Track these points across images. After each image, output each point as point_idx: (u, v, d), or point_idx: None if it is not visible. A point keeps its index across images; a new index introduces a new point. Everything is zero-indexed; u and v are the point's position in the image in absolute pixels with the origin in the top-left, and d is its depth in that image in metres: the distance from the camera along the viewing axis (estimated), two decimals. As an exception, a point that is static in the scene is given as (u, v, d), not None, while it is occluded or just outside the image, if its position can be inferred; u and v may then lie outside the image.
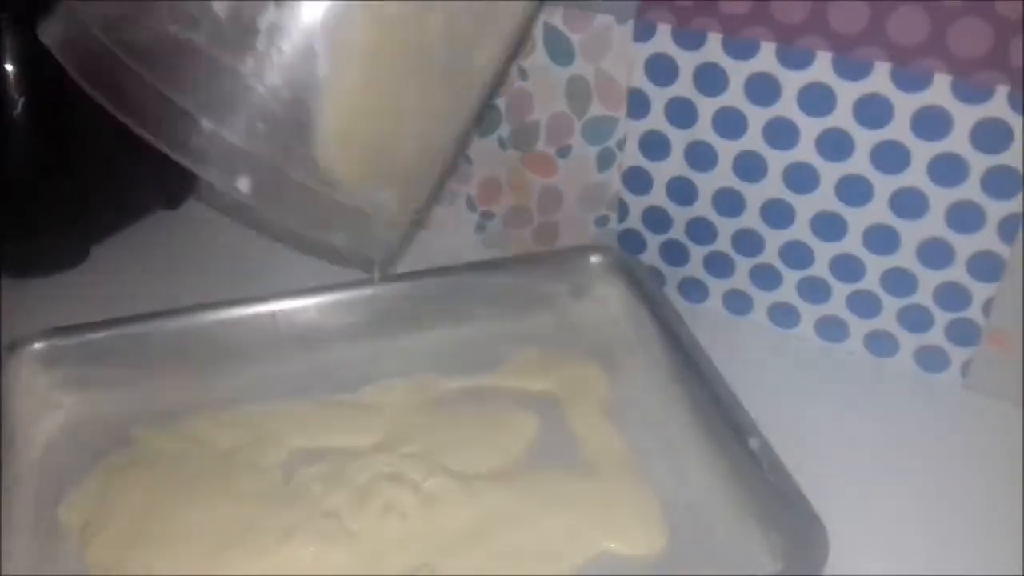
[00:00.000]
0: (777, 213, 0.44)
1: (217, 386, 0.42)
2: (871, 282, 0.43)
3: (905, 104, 0.39)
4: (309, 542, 0.34)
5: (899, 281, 0.43)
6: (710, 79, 0.43)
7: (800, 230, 0.44)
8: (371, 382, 0.42)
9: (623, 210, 0.49)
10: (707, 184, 0.45)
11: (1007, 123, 0.37)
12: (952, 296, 0.42)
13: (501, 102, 0.49)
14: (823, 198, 0.43)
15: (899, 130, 0.39)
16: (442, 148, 0.38)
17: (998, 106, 0.37)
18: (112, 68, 0.31)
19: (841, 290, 0.44)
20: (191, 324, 0.42)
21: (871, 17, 0.38)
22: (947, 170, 0.39)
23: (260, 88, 0.31)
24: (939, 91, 0.38)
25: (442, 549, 0.34)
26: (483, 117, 0.49)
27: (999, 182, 0.39)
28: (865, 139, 0.40)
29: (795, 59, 0.40)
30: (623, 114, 0.46)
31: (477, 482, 0.37)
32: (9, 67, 0.45)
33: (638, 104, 0.45)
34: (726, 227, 0.46)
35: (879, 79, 0.39)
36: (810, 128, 0.41)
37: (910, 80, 0.38)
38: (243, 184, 0.32)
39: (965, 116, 0.38)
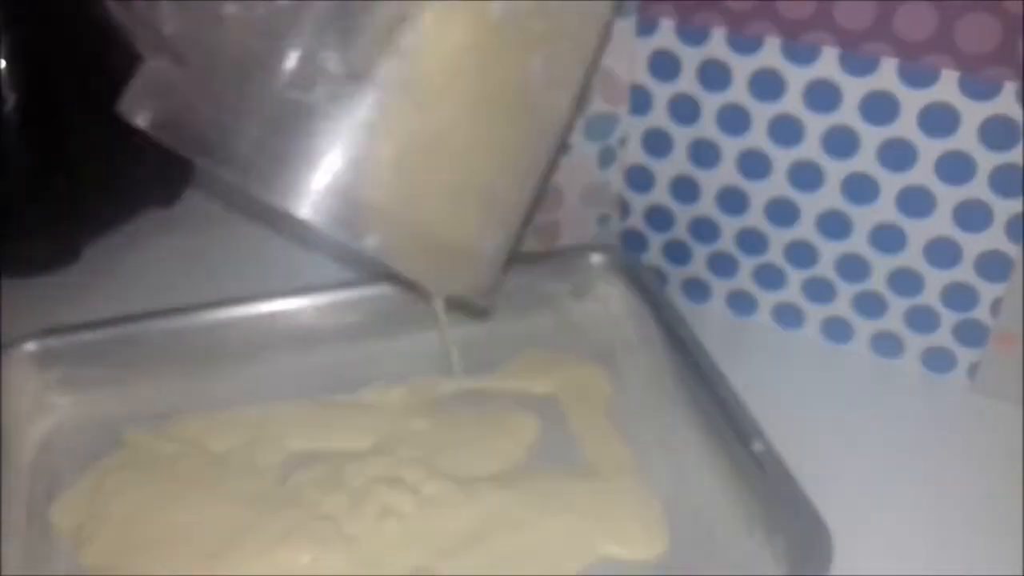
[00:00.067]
0: (782, 212, 0.44)
1: (213, 387, 0.42)
2: (877, 282, 0.43)
3: (912, 101, 0.39)
4: (306, 545, 0.34)
5: (906, 281, 0.42)
6: (714, 75, 0.42)
7: (805, 229, 0.44)
8: (369, 383, 0.42)
9: (625, 209, 0.48)
10: (710, 182, 0.45)
11: (1015, 120, 0.37)
12: (959, 296, 0.41)
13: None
14: (829, 196, 0.42)
15: (906, 127, 0.39)
16: (535, 185, 0.39)
17: (1006, 102, 0.37)
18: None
19: (847, 290, 0.44)
20: (186, 324, 0.42)
21: (878, 12, 0.38)
22: (955, 168, 0.39)
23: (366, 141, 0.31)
24: (947, 87, 0.38)
25: (440, 552, 0.34)
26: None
27: (1007, 180, 0.38)
28: (872, 136, 0.40)
29: (800, 55, 0.40)
30: (625, 111, 0.46)
31: (476, 484, 0.37)
32: (1, 64, 0.44)
33: (640, 100, 0.45)
34: (730, 226, 0.46)
35: (886, 75, 0.39)
36: (816, 125, 0.41)
37: (917, 76, 0.38)
38: (371, 241, 0.32)
39: (973, 113, 0.38)
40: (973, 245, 0.40)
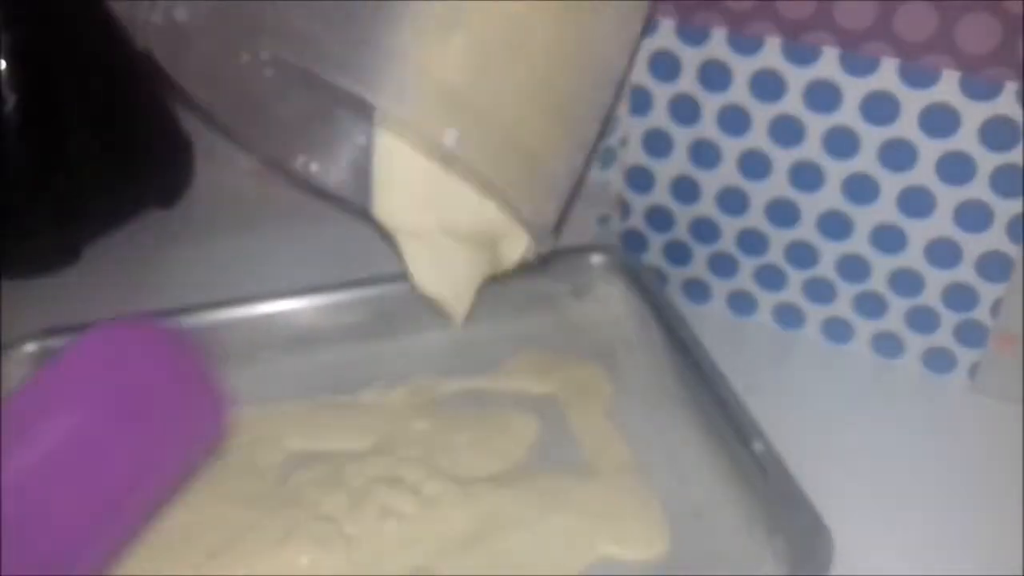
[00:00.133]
0: (782, 212, 0.44)
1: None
2: (878, 282, 0.43)
3: (913, 101, 0.39)
4: (306, 545, 0.34)
5: (906, 281, 0.42)
6: (714, 75, 0.42)
7: (806, 229, 0.43)
8: (369, 383, 0.42)
9: (625, 209, 0.48)
10: (711, 183, 0.45)
11: (1016, 120, 0.37)
12: (960, 297, 0.41)
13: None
14: (829, 197, 0.42)
15: (907, 127, 0.39)
16: (597, 128, 0.37)
17: (1006, 103, 0.37)
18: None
19: (847, 290, 0.44)
20: (186, 324, 0.42)
21: (878, 12, 0.38)
22: (955, 168, 0.39)
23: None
24: (947, 87, 0.38)
25: (440, 553, 0.34)
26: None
27: (1008, 181, 0.38)
28: (872, 136, 0.40)
29: (801, 55, 0.40)
30: (625, 111, 0.45)
31: (476, 485, 0.36)
32: (2, 64, 0.44)
33: (640, 101, 0.45)
34: (730, 226, 0.45)
35: (886, 75, 0.39)
36: (816, 125, 0.41)
37: (918, 76, 0.38)
38: (450, 137, 0.29)
39: (973, 113, 0.38)
40: (973, 245, 0.40)
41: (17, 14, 0.44)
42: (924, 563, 0.34)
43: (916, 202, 0.40)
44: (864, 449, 0.40)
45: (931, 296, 0.42)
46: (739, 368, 0.39)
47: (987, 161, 0.38)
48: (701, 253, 0.47)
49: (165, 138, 0.55)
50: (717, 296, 0.48)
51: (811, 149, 0.42)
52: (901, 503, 0.37)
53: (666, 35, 0.43)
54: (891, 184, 0.41)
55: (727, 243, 0.46)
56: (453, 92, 0.29)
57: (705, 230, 0.46)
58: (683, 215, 0.47)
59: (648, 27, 0.43)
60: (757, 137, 0.43)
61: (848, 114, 0.40)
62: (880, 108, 0.39)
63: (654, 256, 0.49)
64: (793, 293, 0.46)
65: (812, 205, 0.43)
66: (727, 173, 0.44)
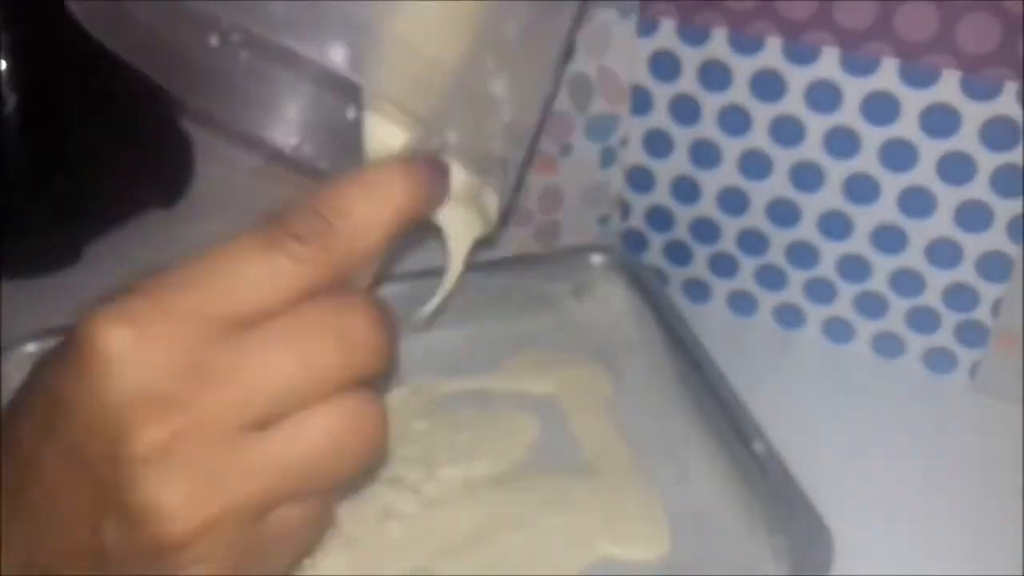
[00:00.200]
0: (783, 212, 0.44)
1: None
2: (878, 282, 0.43)
3: (913, 101, 0.38)
4: (306, 546, 0.34)
5: (907, 281, 0.42)
6: (715, 75, 0.42)
7: (806, 229, 0.43)
8: (369, 383, 0.42)
9: (625, 209, 0.48)
10: (711, 182, 0.45)
11: (1016, 120, 0.37)
12: (960, 297, 0.41)
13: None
14: (830, 197, 0.42)
15: (907, 127, 0.39)
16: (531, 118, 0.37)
17: (1007, 103, 0.37)
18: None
19: (848, 290, 0.44)
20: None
21: (878, 12, 0.38)
22: (955, 168, 0.39)
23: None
24: (947, 87, 0.38)
25: (441, 553, 0.34)
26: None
27: (1008, 181, 0.38)
28: (873, 136, 0.40)
29: (801, 55, 0.40)
30: (626, 111, 0.45)
31: (477, 485, 0.36)
32: (2, 64, 0.44)
33: (641, 101, 0.45)
34: (731, 226, 0.45)
35: (887, 75, 0.38)
36: (817, 125, 0.41)
37: (918, 76, 0.38)
38: (337, 54, 0.29)
39: (974, 113, 0.38)
40: (974, 245, 0.40)
41: (17, 14, 0.44)
42: (924, 563, 0.34)
43: (916, 202, 0.40)
44: (864, 448, 0.40)
45: (932, 296, 0.42)
46: (739, 368, 0.39)
47: (987, 161, 0.38)
48: (701, 253, 0.47)
49: (165, 138, 0.55)
50: (717, 296, 0.48)
51: (811, 149, 0.42)
52: (901, 503, 0.37)
53: (666, 35, 0.43)
54: (891, 184, 0.41)
55: (727, 243, 0.46)
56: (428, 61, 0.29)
57: (705, 230, 0.46)
58: (683, 215, 0.47)
59: (648, 27, 0.43)
60: (757, 137, 0.43)
61: (848, 114, 0.40)
62: (880, 108, 0.39)
63: (654, 256, 0.49)
64: (793, 293, 0.46)
65: (812, 205, 0.43)
66: (727, 173, 0.44)
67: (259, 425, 0.22)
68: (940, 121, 0.38)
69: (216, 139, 0.55)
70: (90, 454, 0.22)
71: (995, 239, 0.39)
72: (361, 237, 0.24)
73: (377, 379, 0.24)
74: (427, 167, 0.27)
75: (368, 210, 0.24)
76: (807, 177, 0.42)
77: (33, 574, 0.23)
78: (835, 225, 0.43)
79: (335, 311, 0.23)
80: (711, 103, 0.43)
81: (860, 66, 0.39)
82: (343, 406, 0.23)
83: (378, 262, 0.26)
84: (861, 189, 0.41)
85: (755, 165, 0.43)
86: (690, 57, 0.42)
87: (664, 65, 0.43)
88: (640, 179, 0.47)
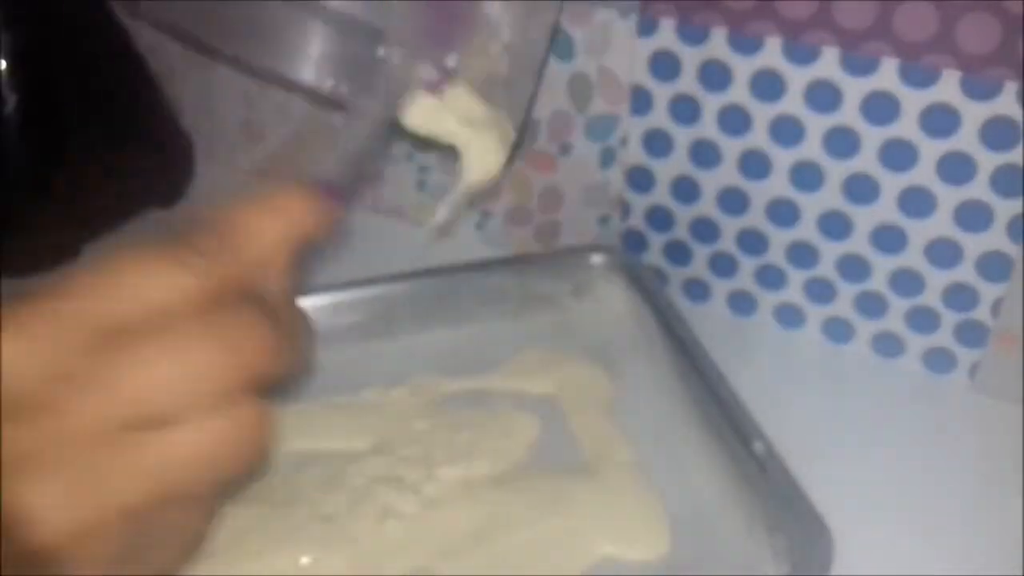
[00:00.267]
0: (783, 212, 0.44)
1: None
2: (878, 282, 0.43)
3: (913, 101, 0.38)
4: (306, 545, 0.34)
5: (906, 281, 0.42)
6: (714, 75, 0.42)
7: (806, 229, 0.43)
8: (370, 384, 0.42)
9: (625, 209, 0.48)
10: (711, 182, 0.45)
11: (1016, 120, 0.37)
12: (960, 296, 0.41)
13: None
14: (829, 197, 0.42)
15: (907, 127, 0.39)
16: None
17: (1006, 102, 0.37)
18: None
19: (848, 290, 0.44)
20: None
21: (878, 12, 0.38)
22: (955, 168, 0.39)
23: None
24: (947, 87, 0.38)
25: (441, 553, 0.34)
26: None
27: (1008, 181, 0.38)
28: (872, 136, 0.40)
29: (801, 55, 0.40)
30: (625, 111, 0.45)
31: (477, 485, 0.36)
32: (2, 64, 0.44)
33: (641, 101, 0.45)
34: (730, 226, 0.45)
35: (887, 75, 0.38)
36: (816, 125, 0.41)
37: (918, 76, 0.38)
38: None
39: (973, 113, 0.38)
40: (974, 245, 0.40)
41: (17, 14, 0.44)
42: (924, 563, 0.34)
43: (916, 202, 0.40)
44: (864, 448, 0.40)
45: (931, 296, 0.42)
46: (739, 368, 0.39)
47: (987, 161, 0.38)
48: (701, 253, 0.47)
49: (165, 138, 0.55)
50: (717, 296, 0.48)
51: (811, 149, 0.41)
52: (901, 503, 0.37)
53: (666, 35, 0.43)
54: (891, 184, 0.40)
55: (727, 243, 0.46)
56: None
57: (705, 230, 0.46)
58: (683, 215, 0.47)
59: (648, 27, 0.43)
60: (757, 137, 0.42)
61: (848, 114, 0.40)
62: (880, 108, 0.39)
63: (654, 256, 0.49)
64: (793, 293, 0.46)
65: (812, 205, 0.43)
66: (727, 173, 0.44)
67: (139, 429, 0.22)
68: (940, 121, 0.38)
69: (216, 139, 0.55)
70: None
71: (995, 239, 0.39)
72: (252, 250, 0.25)
73: (277, 383, 0.24)
74: (319, 198, 0.27)
75: (260, 227, 0.25)
76: (807, 177, 0.42)
77: None
78: (835, 225, 0.43)
79: (220, 317, 0.23)
80: (711, 103, 0.43)
81: (860, 66, 0.39)
82: (227, 411, 0.23)
83: (283, 275, 0.26)
84: (861, 189, 0.41)
85: (755, 165, 0.43)
86: (690, 57, 0.42)
87: (664, 65, 0.43)
88: (640, 179, 0.47)
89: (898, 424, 0.41)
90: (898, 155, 0.40)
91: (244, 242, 0.25)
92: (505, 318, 0.45)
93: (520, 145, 0.47)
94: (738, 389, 0.37)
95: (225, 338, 0.23)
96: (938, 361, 0.43)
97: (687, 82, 0.43)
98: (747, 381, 0.38)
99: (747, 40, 0.41)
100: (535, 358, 0.43)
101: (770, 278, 0.46)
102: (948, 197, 0.40)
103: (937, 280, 0.41)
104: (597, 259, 0.46)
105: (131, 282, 0.22)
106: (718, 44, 0.41)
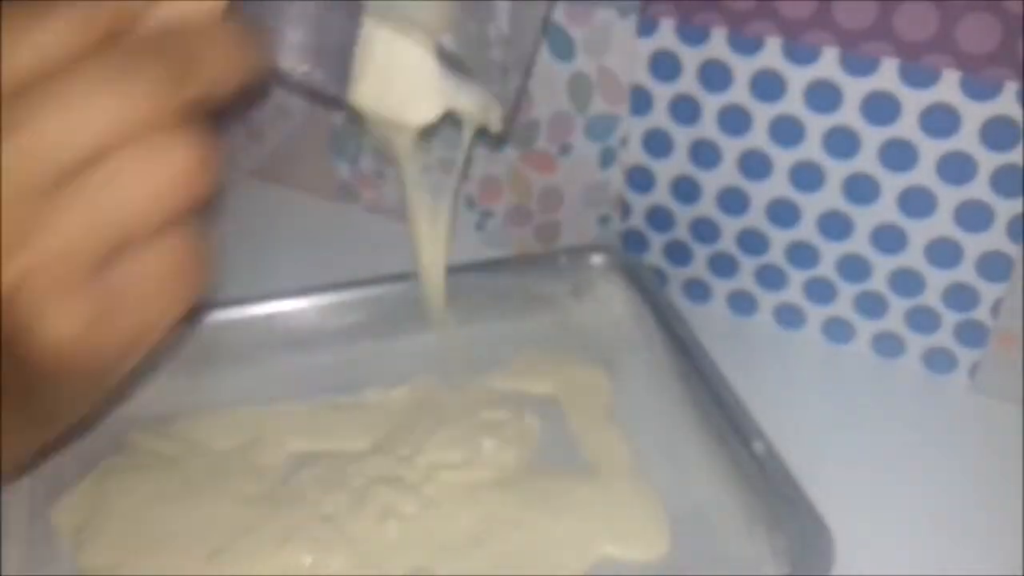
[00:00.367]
0: (783, 212, 0.44)
1: (214, 388, 0.41)
2: (878, 282, 0.43)
3: (913, 101, 0.38)
4: (307, 546, 0.34)
5: (907, 281, 0.42)
6: (715, 75, 0.42)
7: (806, 229, 0.43)
8: (370, 384, 0.42)
9: (625, 209, 0.48)
10: (711, 183, 0.45)
11: (1016, 120, 0.37)
12: (960, 297, 0.41)
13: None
14: (830, 197, 0.42)
15: (907, 127, 0.39)
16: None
17: (1007, 102, 0.37)
18: None
19: (848, 290, 0.44)
20: (187, 325, 0.42)
21: (878, 13, 0.38)
22: (955, 168, 0.39)
23: None
24: (948, 87, 0.38)
25: (441, 553, 0.34)
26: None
27: (1008, 181, 0.38)
28: (873, 136, 0.40)
29: (801, 55, 0.40)
30: (625, 111, 0.45)
31: (477, 485, 0.36)
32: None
33: (641, 101, 0.45)
34: (731, 226, 0.45)
35: (887, 75, 0.38)
36: (817, 125, 0.41)
37: (918, 76, 0.38)
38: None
39: (974, 113, 0.38)
40: (974, 245, 0.40)
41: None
42: (924, 563, 0.34)
43: (916, 202, 0.40)
44: (864, 449, 0.40)
45: (931, 296, 0.42)
46: (739, 368, 0.39)
47: (987, 161, 0.38)
48: (701, 253, 0.47)
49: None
50: (717, 296, 0.48)
51: (811, 149, 0.41)
52: (901, 503, 0.37)
53: (666, 35, 0.43)
54: (891, 184, 0.40)
55: (727, 243, 0.46)
56: None
57: (705, 230, 0.46)
58: (683, 215, 0.47)
59: (648, 27, 0.43)
60: (757, 137, 0.42)
61: (848, 114, 0.40)
62: (880, 108, 0.39)
63: (655, 256, 0.49)
64: (793, 293, 0.45)
65: (812, 205, 0.43)
66: (727, 173, 0.44)
67: (76, 176, 0.22)
68: (940, 121, 0.38)
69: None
70: None
71: (995, 239, 0.39)
72: None
73: (216, 99, 0.24)
74: None
75: None
76: (807, 177, 0.42)
77: None
78: (835, 225, 0.43)
79: (130, 46, 0.23)
80: (711, 103, 0.43)
81: (860, 66, 0.39)
82: (161, 142, 0.23)
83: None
84: (861, 189, 0.41)
85: (755, 165, 0.43)
86: (690, 57, 0.42)
87: (664, 65, 0.43)
88: (640, 179, 0.47)
89: (898, 424, 0.41)
90: (898, 155, 0.40)
91: None
92: (505, 318, 0.45)
93: (507, 139, 0.47)
94: (738, 389, 0.37)
95: (123, 71, 0.22)
96: (938, 361, 0.43)
97: (687, 82, 0.43)
98: (747, 381, 0.38)
99: (747, 40, 0.41)
100: (535, 358, 0.43)
101: (770, 278, 0.46)
102: (948, 197, 0.40)
103: (937, 280, 0.41)
104: (597, 259, 0.46)
105: (16, 34, 0.22)
106: (718, 44, 0.41)
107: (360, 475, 0.37)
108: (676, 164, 0.45)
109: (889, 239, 0.42)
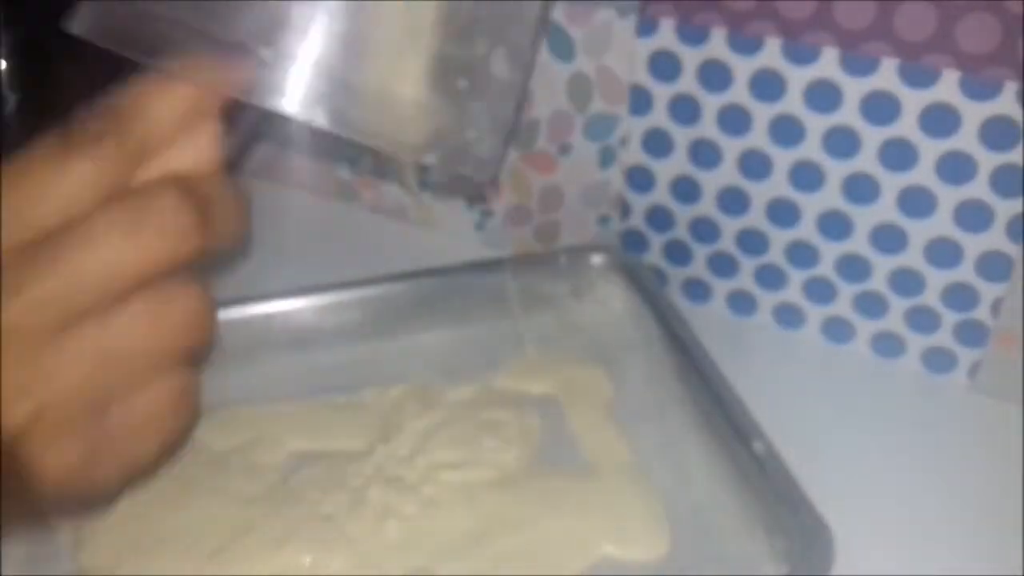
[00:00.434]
0: (782, 212, 0.44)
1: (213, 387, 0.41)
2: (878, 282, 0.43)
3: (913, 101, 0.38)
4: (306, 546, 0.34)
5: (906, 281, 0.42)
6: (714, 75, 0.42)
7: (806, 229, 0.43)
8: (370, 383, 0.42)
9: (625, 209, 0.48)
10: (711, 182, 0.45)
11: (1016, 120, 0.37)
12: (960, 296, 0.41)
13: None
14: (829, 196, 0.42)
15: (907, 127, 0.39)
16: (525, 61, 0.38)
17: (1006, 102, 0.37)
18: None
19: (847, 290, 0.44)
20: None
21: (878, 13, 0.38)
22: (955, 168, 0.39)
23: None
24: (947, 87, 0.38)
25: (441, 553, 0.34)
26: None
27: (1008, 180, 0.38)
28: (872, 136, 0.40)
29: (801, 55, 0.40)
30: (625, 111, 0.45)
31: (477, 485, 0.36)
32: (2, 64, 0.44)
33: (640, 101, 0.45)
34: (730, 226, 0.45)
35: (886, 75, 0.38)
36: (816, 125, 0.41)
37: (918, 76, 0.38)
38: (319, 116, 0.30)
39: (973, 113, 0.38)
40: (974, 245, 0.40)
41: (17, 14, 0.44)
42: (924, 563, 0.34)
43: (916, 202, 0.40)
44: (864, 449, 0.40)
45: (931, 296, 0.42)
46: (739, 368, 0.38)
47: (987, 161, 0.38)
48: (701, 253, 0.47)
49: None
50: (717, 296, 0.48)
51: (811, 149, 0.41)
52: (901, 503, 0.37)
53: (666, 35, 0.43)
54: (891, 184, 0.40)
55: (727, 243, 0.46)
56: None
57: (705, 230, 0.46)
58: (683, 215, 0.47)
59: (647, 27, 0.43)
60: (757, 137, 0.42)
61: (848, 114, 0.40)
62: (880, 108, 0.39)
63: (654, 256, 0.49)
64: (793, 293, 0.45)
65: (812, 205, 0.43)
66: (727, 173, 0.44)
67: (76, 323, 0.23)
68: (940, 121, 0.38)
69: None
70: None
71: (995, 239, 0.39)
72: (156, 129, 0.24)
73: (212, 256, 0.24)
74: (224, 61, 0.27)
75: (159, 104, 0.25)
76: (807, 177, 0.42)
77: None
78: (835, 225, 0.43)
79: (135, 202, 0.23)
80: (710, 103, 0.43)
81: (860, 66, 0.39)
82: (157, 289, 0.23)
83: (206, 148, 0.25)
84: (861, 189, 0.41)
85: (755, 165, 0.43)
86: (689, 57, 0.42)
87: (663, 65, 0.43)
88: (640, 179, 0.47)
89: (898, 424, 0.41)
90: (898, 155, 0.40)
91: (145, 122, 0.24)
92: (505, 318, 0.45)
93: (511, 144, 0.47)
94: (738, 389, 0.37)
95: (139, 223, 0.23)
96: (938, 361, 0.43)
97: (687, 82, 0.43)
98: (747, 381, 0.38)
99: (747, 40, 0.41)
100: (535, 358, 0.43)
101: (770, 278, 0.46)
102: (948, 197, 0.40)
103: (937, 280, 0.41)
104: (597, 259, 0.46)
105: (41, 183, 0.23)
106: (718, 44, 0.41)
107: (360, 475, 0.37)
108: (676, 164, 0.45)
109: (889, 239, 0.42)
